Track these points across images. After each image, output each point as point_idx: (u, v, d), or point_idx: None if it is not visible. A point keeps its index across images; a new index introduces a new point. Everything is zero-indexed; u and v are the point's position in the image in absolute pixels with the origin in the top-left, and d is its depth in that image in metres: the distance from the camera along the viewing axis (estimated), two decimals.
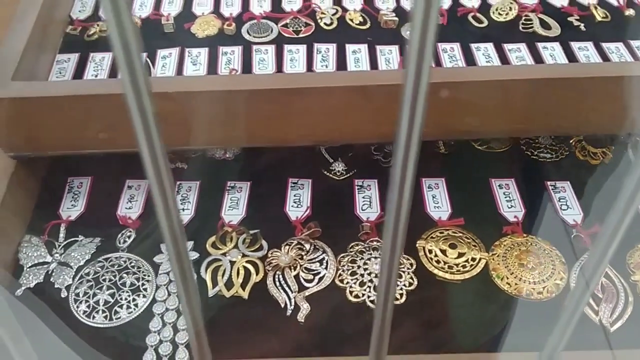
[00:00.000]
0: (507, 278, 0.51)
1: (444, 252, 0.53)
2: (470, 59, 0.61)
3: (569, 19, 0.65)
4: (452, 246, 0.53)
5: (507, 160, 0.62)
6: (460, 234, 0.54)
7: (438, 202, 0.58)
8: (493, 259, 0.52)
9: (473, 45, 0.62)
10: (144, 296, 0.52)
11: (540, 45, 0.62)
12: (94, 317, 0.50)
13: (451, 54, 0.61)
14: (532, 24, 0.64)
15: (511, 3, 0.66)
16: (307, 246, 0.54)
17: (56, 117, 0.51)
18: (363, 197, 0.59)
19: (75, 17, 0.66)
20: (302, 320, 0.49)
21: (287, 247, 0.54)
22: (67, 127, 0.52)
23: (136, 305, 0.51)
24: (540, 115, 0.53)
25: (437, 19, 0.20)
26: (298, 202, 0.59)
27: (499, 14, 0.65)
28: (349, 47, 0.62)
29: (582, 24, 0.64)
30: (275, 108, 0.51)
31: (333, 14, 0.66)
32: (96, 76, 0.59)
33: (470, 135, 0.58)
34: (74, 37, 0.64)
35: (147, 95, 0.22)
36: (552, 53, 0.61)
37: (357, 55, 0.61)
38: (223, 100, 0.51)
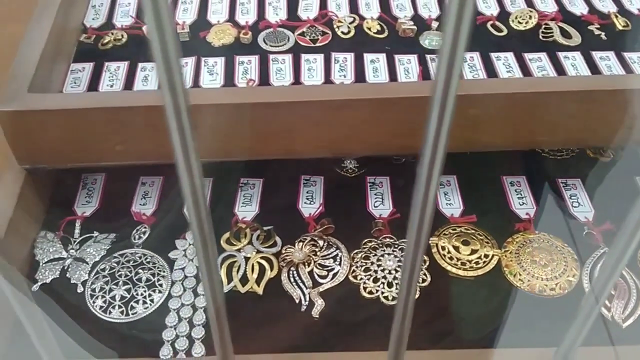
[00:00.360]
0: (520, 275, 0.51)
1: (456, 248, 0.53)
2: (490, 69, 0.60)
3: (589, 27, 0.65)
4: (465, 243, 0.53)
5: (518, 157, 0.62)
6: (473, 231, 0.55)
7: (450, 199, 0.58)
8: (505, 256, 0.53)
9: (493, 55, 0.61)
10: (160, 292, 0.52)
11: (561, 54, 0.61)
12: (110, 312, 0.51)
13: (471, 63, 0.61)
14: (552, 32, 0.64)
15: (530, 11, 0.66)
16: (321, 242, 0.55)
17: (73, 130, 0.51)
18: (375, 194, 0.59)
19: (88, 25, 0.65)
20: (317, 316, 0.50)
21: (300, 243, 0.55)
22: (83, 140, 0.52)
23: (152, 300, 0.52)
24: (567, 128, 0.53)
25: (469, 28, 0.20)
26: (311, 198, 0.59)
27: (519, 22, 0.65)
28: (367, 57, 0.61)
29: (603, 33, 0.64)
30: (292, 120, 0.52)
31: (350, 23, 0.65)
32: (111, 86, 0.59)
33: (495, 147, 0.58)
34: (88, 45, 0.63)
35: (185, 107, 0.22)
36: (574, 63, 0.60)
37: (376, 64, 0.60)
38: (240, 112, 0.51)
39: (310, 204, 0.58)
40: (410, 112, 0.51)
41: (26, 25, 0.59)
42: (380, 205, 0.58)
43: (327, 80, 0.59)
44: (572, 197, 0.58)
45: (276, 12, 0.67)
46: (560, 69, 0.60)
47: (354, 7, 0.67)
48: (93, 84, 0.59)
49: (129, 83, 0.59)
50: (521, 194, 0.58)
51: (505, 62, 0.61)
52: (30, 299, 0.50)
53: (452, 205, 0.58)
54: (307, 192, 0.60)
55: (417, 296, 0.51)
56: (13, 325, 0.49)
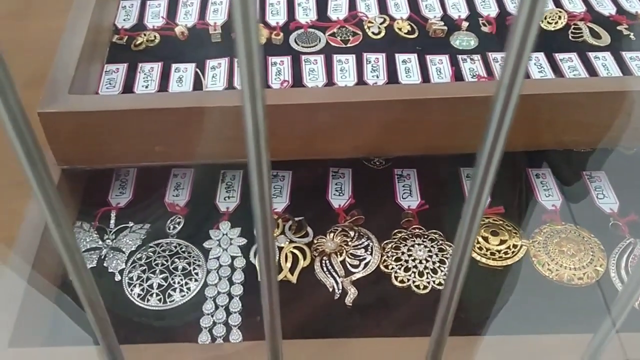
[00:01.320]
0: (548, 264, 0.52)
1: (485, 239, 0.54)
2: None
3: (618, 27, 0.65)
4: (494, 233, 0.55)
5: (542, 151, 0.63)
6: (501, 222, 0.56)
7: None
8: (534, 246, 0.54)
9: None
10: (196, 280, 0.53)
11: (591, 55, 0.62)
12: (148, 300, 0.52)
13: (502, 63, 0.61)
14: (581, 33, 0.64)
15: (560, 12, 0.66)
16: (352, 233, 0.56)
17: (113, 131, 0.52)
18: (403, 186, 0.60)
19: (120, 26, 0.66)
20: (350, 304, 0.51)
21: (331, 233, 0.56)
22: (123, 141, 0.53)
23: (189, 288, 0.53)
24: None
25: (536, 30, 0.21)
26: (340, 190, 0.60)
27: (548, 22, 0.65)
28: (399, 57, 0.62)
29: (632, 33, 0.64)
30: (330, 121, 0.53)
31: (381, 23, 0.65)
32: (146, 87, 0.59)
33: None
34: (121, 46, 0.64)
35: (262, 107, 0.24)
36: (605, 63, 0.61)
37: (408, 65, 0.61)
38: (279, 113, 0.52)
39: (339, 196, 0.60)
40: (447, 113, 0.52)
41: (59, 20, 0.60)
42: (409, 197, 0.59)
43: (360, 80, 0.59)
44: (597, 189, 0.59)
45: (306, 13, 0.67)
46: (591, 70, 0.60)
47: (383, 7, 0.68)
48: (128, 85, 0.60)
49: (163, 84, 0.59)
50: (547, 186, 0.59)
51: (536, 63, 0.61)
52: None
53: None
54: (335, 184, 0.61)
55: None
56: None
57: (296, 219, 0.58)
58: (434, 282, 0.52)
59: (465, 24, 0.65)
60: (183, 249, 0.56)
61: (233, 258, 0.55)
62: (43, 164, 0.25)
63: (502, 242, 0.54)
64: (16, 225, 0.54)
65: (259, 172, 0.26)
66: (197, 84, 0.60)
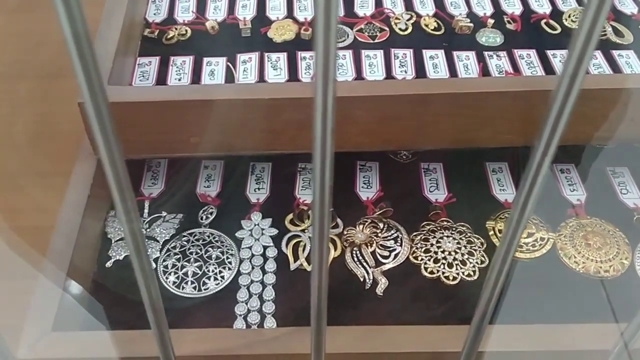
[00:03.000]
0: (575, 257, 0.54)
1: None
2: (547, 66, 0.62)
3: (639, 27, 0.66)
4: None
5: (566, 146, 0.64)
6: None
7: (503, 184, 0.60)
8: (560, 239, 0.55)
9: (549, 52, 0.63)
10: (229, 269, 0.55)
11: (615, 53, 0.63)
12: (183, 287, 0.54)
13: (528, 60, 0.62)
14: (605, 31, 0.65)
15: (582, 10, 0.67)
16: (381, 225, 0.57)
17: (149, 121, 0.53)
18: (430, 180, 0.62)
19: (151, 20, 0.67)
20: (381, 294, 0.52)
21: (361, 225, 0.57)
22: (159, 131, 0.54)
23: (222, 277, 0.54)
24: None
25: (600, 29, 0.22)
26: (367, 183, 0.61)
27: (572, 20, 0.66)
28: (426, 53, 0.63)
29: None
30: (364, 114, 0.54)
31: (407, 19, 0.66)
32: (179, 80, 0.60)
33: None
34: (152, 40, 0.65)
35: (332, 98, 0.25)
36: (628, 61, 0.62)
37: (435, 60, 0.62)
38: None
39: (367, 188, 0.61)
40: (476, 107, 0.53)
41: (90, 10, 0.61)
42: (435, 190, 0.60)
43: (389, 76, 0.61)
44: (621, 185, 0.60)
45: None
46: (615, 67, 0.61)
47: (409, 4, 0.69)
48: (161, 78, 0.61)
49: (195, 77, 0.61)
50: (571, 181, 0.61)
51: (562, 60, 0.62)
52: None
53: (506, 190, 0.60)
54: (363, 177, 0.62)
55: (476, 277, 0.53)
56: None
57: None
58: (462, 273, 0.53)
59: (490, 21, 0.66)
60: (216, 239, 0.57)
61: (265, 248, 0.56)
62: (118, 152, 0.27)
63: (529, 235, 0.55)
64: (52, 215, 0.56)
65: (322, 165, 0.27)
66: (229, 78, 0.61)
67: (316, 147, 0.27)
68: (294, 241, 0.56)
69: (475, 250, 0.55)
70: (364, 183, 0.61)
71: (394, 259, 0.55)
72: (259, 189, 0.61)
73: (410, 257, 0.55)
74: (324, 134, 0.27)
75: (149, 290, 0.36)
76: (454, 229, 0.56)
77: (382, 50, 0.63)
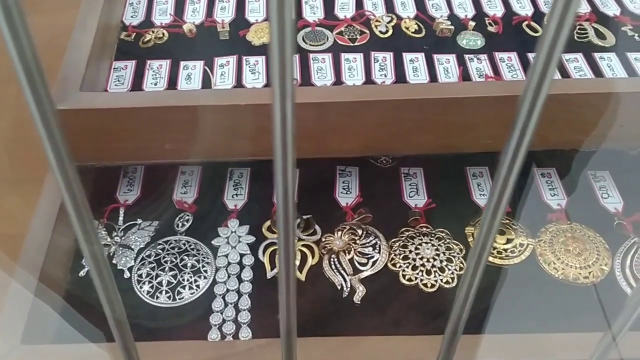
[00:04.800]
0: (554, 263, 0.53)
1: None
2: (528, 69, 0.61)
3: (622, 28, 0.66)
4: (501, 232, 0.55)
5: (547, 150, 0.64)
6: (507, 221, 0.56)
7: (483, 189, 0.60)
8: (540, 245, 0.54)
9: (530, 55, 0.62)
10: (205, 277, 0.54)
11: (597, 55, 0.62)
12: (157, 297, 0.53)
13: (509, 63, 0.62)
14: (587, 33, 0.65)
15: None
16: (359, 231, 0.56)
17: (123, 128, 0.52)
18: (410, 185, 0.61)
19: (128, 22, 0.66)
20: (359, 302, 0.52)
21: (339, 232, 0.56)
22: (134, 138, 0.53)
23: (198, 286, 0.53)
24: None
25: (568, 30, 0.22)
26: (347, 188, 0.61)
27: None
28: (406, 56, 0.62)
29: (636, 34, 0.65)
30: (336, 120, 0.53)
31: (388, 22, 0.66)
32: (155, 84, 0.59)
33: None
34: (129, 43, 0.64)
35: (291, 104, 0.24)
36: (610, 64, 0.62)
37: (415, 64, 0.61)
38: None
39: (346, 194, 0.60)
40: (456, 112, 0.53)
41: (64, 16, 0.60)
42: (415, 196, 0.60)
43: (368, 79, 0.60)
44: (602, 189, 0.60)
45: (313, 12, 0.67)
46: (596, 70, 0.61)
47: (390, 6, 0.68)
48: (137, 82, 0.60)
49: (172, 81, 0.60)
50: (552, 185, 0.60)
51: None
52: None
53: (486, 195, 0.59)
54: (343, 182, 0.61)
55: (454, 284, 0.53)
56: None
57: (304, 217, 0.58)
58: (441, 280, 0.53)
59: (471, 24, 0.66)
60: (192, 247, 0.56)
61: (242, 255, 0.55)
62: (69, 161, 0.26)
63: (508, 240, 0.55)
64: (24, 223, 0.55)
65: (284, 170, 0.27)
66: (206, 82, 0.60)
67: (277, 154, 0.26)
68: (271, 249, 0.55)
69: (454, 256, 0.54)
70: (344, 188, 0.61)
71: (372, 266, 0.54)
72: (236, 195, 0.60)
73: (389, 264, 0.54)
74: (284, 139, 0.26)
75: (112, 306, 0.35)
76: (433, 235, 0.56)
77: (361, 54, 0.63)
